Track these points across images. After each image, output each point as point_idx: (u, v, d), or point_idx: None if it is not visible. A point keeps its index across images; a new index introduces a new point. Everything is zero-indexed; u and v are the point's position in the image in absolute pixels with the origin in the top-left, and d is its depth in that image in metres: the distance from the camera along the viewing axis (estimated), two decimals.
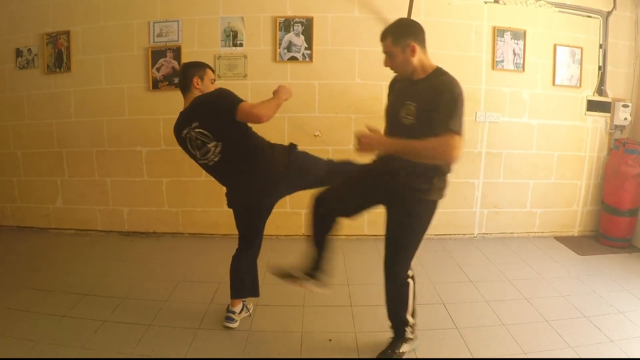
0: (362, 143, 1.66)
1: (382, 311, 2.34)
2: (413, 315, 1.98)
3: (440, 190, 1.78)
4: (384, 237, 1.88)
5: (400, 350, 1.96)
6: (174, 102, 3.37)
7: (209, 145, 1.97)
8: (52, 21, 3.50)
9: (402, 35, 1.69)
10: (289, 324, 2.27)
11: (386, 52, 1.73)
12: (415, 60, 1.70)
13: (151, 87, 3.45)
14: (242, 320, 2.26)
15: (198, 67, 2.08)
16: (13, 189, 3.80)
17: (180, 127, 2.05)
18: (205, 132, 1.96)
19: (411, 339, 2.00)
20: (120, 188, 3.64)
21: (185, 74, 2.07)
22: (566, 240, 3.55)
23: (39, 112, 3.64)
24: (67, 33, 3.48)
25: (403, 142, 1.65)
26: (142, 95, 3.47)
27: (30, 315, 2.31)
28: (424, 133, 1.63)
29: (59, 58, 3.53)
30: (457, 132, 1.60)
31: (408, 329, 1.98)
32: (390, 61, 1.74)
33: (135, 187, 3.62)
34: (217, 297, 2.51)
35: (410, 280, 1.90)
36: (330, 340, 2.12)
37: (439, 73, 1.73)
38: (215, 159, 1.99)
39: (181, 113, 2.08)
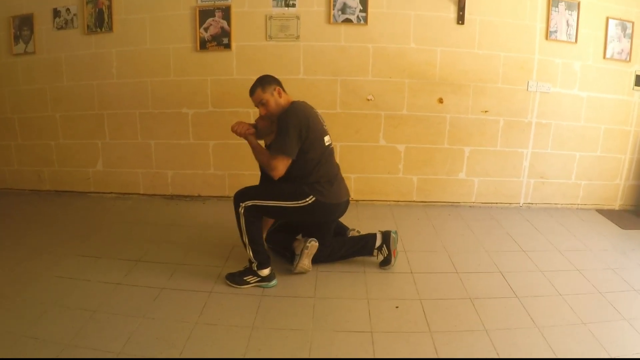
0: (233, 129, 2.25)
1: (444, 279, 2.36)
2: (252, 244, 2.18)
3: (307, 189, 2.19)
4: None
5: (245, 279, 2.20)
6: (222, 63, 3.38)
7: None
8: None
9: (268, 84, 2.22)
10: (354, 290, 2.20)
11: (258, 102, 2.23)
12: (282, 100, 2.23)
13: (198, 48, 3.36)
14: (307, 287, 2.22)
15: None
16: (51, 153, 3.74)
17: None
18: None
19: (257, 274, 2.19)
20: (164, 151, 3.58)
21: None
22: (607, 214, 3.54)
23: (78, 73, 3.55)
24: None
25: (256, 143, 2.26)
26: (189, 55, 3.39)
27: (82, 283, 2.20)
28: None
29: (100, 18, 3.43)
30: (278, 152, 2.10)
31: (252, 262, 2.19)
32: (263, 108, 2.23)
33: (180, 149, 3.56)
34: (277, 262, 2.40)
35: (241, 204, 2.15)
36: (397, 307, 2.04)
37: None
38: None
39: None
